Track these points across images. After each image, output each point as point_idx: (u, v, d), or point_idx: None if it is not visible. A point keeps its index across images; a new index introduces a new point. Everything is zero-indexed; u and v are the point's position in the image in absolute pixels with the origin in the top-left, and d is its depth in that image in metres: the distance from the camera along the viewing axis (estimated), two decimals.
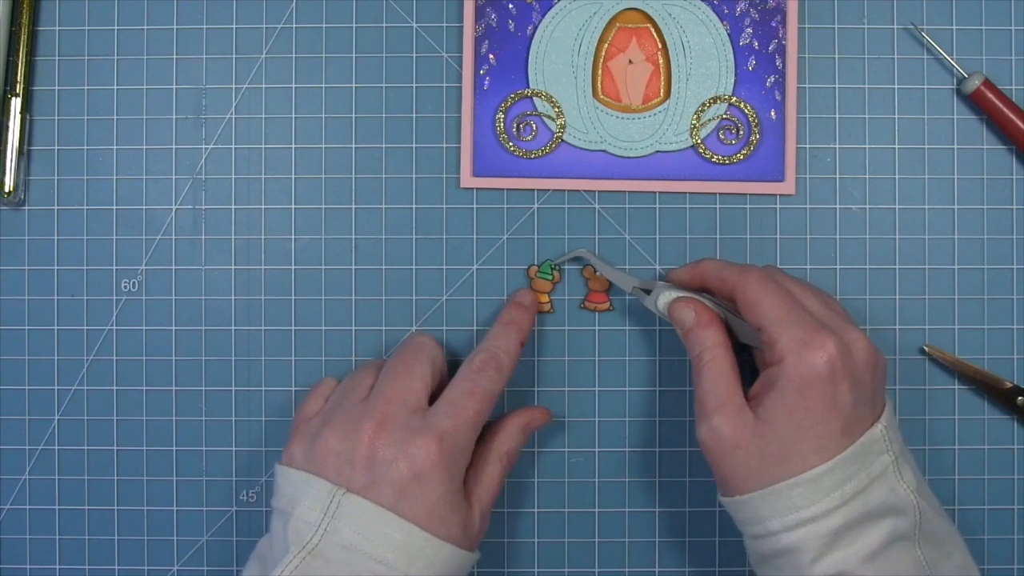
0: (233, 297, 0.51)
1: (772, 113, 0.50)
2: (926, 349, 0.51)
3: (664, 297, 0.46)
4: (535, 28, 0.51)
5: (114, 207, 0.52)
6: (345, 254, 0.51)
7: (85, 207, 0.52)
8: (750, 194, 0.51)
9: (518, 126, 0.51)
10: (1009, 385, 0.50)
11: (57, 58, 0.52)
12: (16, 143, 0.51)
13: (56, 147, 0.52)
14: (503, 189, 0.51)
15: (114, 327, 0.51)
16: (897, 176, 0.51)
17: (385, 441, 0.42)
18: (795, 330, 0.41)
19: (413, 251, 0.51)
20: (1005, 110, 0.49)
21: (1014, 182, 0.51)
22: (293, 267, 0.51)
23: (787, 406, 0.41)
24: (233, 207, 0.51)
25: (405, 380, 0.44)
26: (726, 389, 0.42)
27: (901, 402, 0.51)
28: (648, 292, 0.48)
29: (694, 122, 0.50)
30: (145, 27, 0.52)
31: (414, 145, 0.51)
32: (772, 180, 0.51)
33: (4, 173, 0.50)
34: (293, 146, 0.51)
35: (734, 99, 0.50)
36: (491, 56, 0.51)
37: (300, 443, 0.44)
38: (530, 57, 0.51)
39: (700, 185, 0.51)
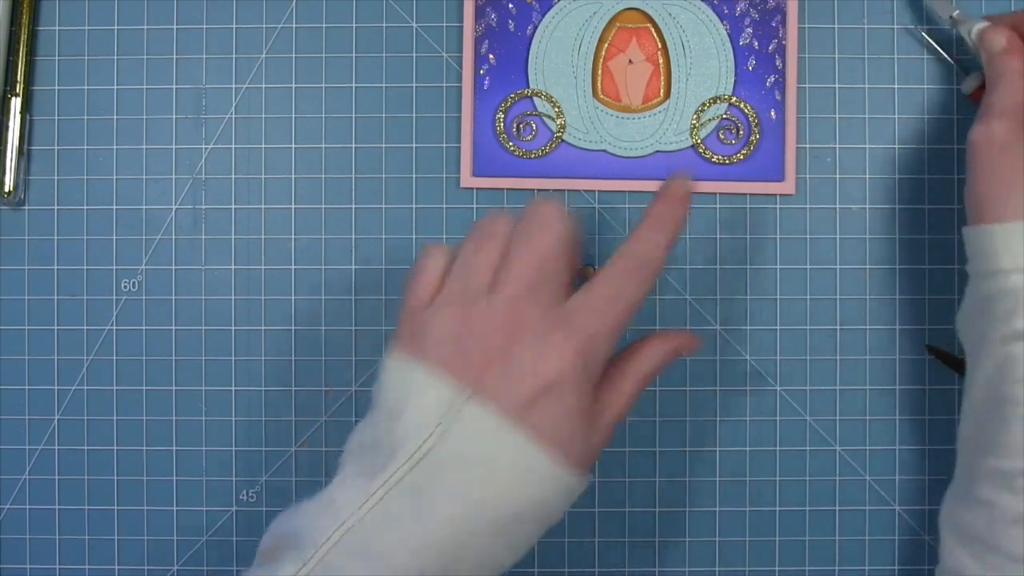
0: (233, 297, 0.51)
1: (772, 113, 0.50)
2: (926, 349, 0.51)
3: (980, 25, 0.47)
4: (535, 28, 0.51)
5: (114, 207, 0.52)
6: (345, 254, 0.51)
7: (85, 207, 0.52)
8: (750, 194, 0.51)
9: (518, 126, 0.51)
10: None
11: (57, 58, 0.52)
12: (16, 143, 0.51)
13: (56, 147, 0.52)
14: (503, 189, 0.51)
15: (114, 327, 0.51)
16: (897, 176, 0.51)
17: (517, 343, 0.37)
18: None
19: (413, 251, 0.51)
20: None
21: None
22: (293, 267, 0.51)
23: None
24: (233, 207, 0.51)
25: (538, 268, 0.38)
26: (1013, 104, 0.43)
27: (901, 402, 0.51)
28: (962, 22, 0.48)
29: (694, 122, 0.50)
30: (145, 27, 0.52)
31: (414, 145, 0.51)
32: (772, 180, 0.51)
33: (4, 173, 0.50)
34: (293, 146, 0.51)
35: (734, 99, 0.50)
36: (491, 56, 0.51)
37: (414, 334, 0.38)
38: (530, 57, 0.51)
39: (700, 185, 0.51)
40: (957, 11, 0.48)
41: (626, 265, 0.39)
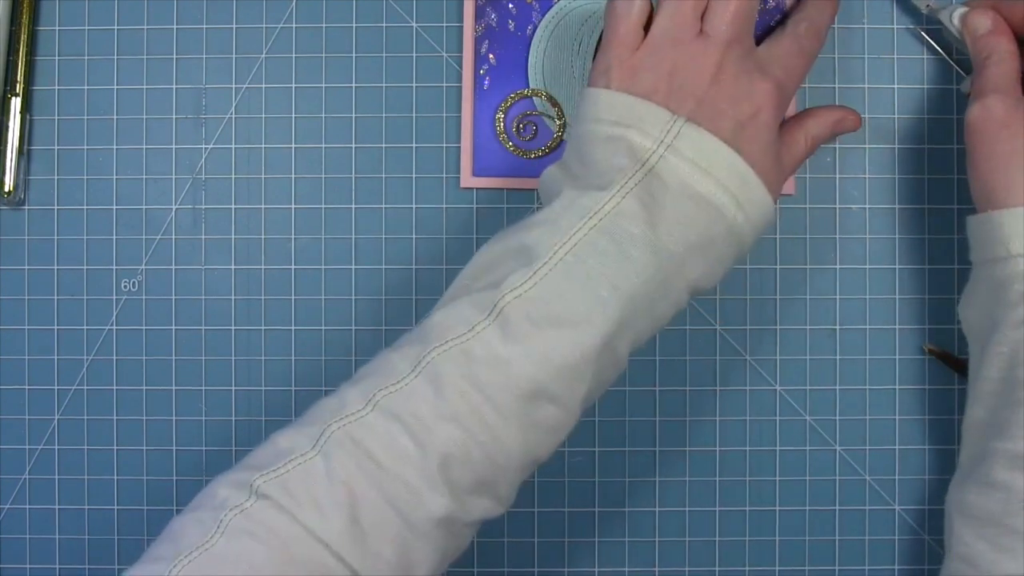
0: (233, 297, 0.51)
1: None
2: (926, 349, 0.51)
3: (960, 10, 0.47)
4: (535, 28, 0.51)
5: (114, 207, 0.52)
6: (345, 254, 0.51)
7: (85, 207, 0.52)
8: None
9: (518, 126, 0.51)
10: None
11: (57, 58, 0.52)
12: (16, 143, 0.51)
13: (56, 147, 0.52)
14: (503, 189, 0.51)
15: (114, 327, 0.51)
16: (897, 176, 0.51)
17: (725, 82, 0.39)
18: None
19: (413, 251, 0.51)
20: None
21: None
22: (293, 267, 0.51)
23: None
24: (233, 207, 0.51)
25: (742, 18, 0.41)
26: (1006, 80, 0.43)
27: (901, 402, 0.51)
28: (941, 9, 0.48)
29: None
30: (145, 27, 0.52)
31: (414, 145, 0.51)
32: None
33: (4, 173, 0.50)
34: (293, 146, 0.51)
35: None
36: (491, 56, 0.51)
37: (629, 75, 0.40)
38: (530, 57, 0.51)
39: None
40: (930, 0, 0.49)
41: (807, 31, 0.42)
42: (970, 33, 0.46)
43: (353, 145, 0.51)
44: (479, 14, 0.51)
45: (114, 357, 0.51)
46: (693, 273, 0.39)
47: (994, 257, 0.41)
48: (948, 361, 0.50)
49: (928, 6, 0.49)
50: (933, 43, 0.50)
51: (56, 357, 0.52)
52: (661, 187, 0.38)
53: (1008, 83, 0.43)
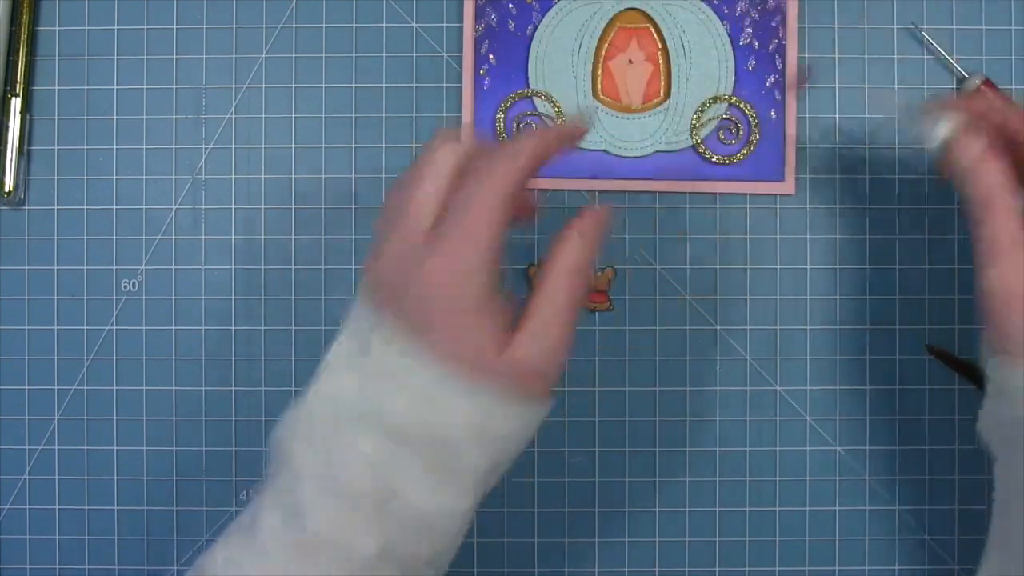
0: (233, 297, 0.51)
1: (772, 113, 0.50)
2: (927, 349, 0.51)
3: (946, 124, 0.40)
4: (535, 28, 0.51)
5: (114, 207, 0.52)
6: (345, 254, 0.51)
7: (85, 207, 0.52)
8: (750, 194, 0.51)
9: (518, 126, 0.51)
10: None
11: (57, 58, 0.52)
12: (16, 143, 0.51)
13: (56, 147, 0.52)
14: None
15: (114, 327, 0.51)
16: (897, 176, 0.51)
17: (433, 291, 0.36)
18: None
19: None
20: None
21: None
22: (293, 267, 0.51)
23: None
24: (233, 207, 0.51)
25: (410, 204, 0.37)
26: (1018, 234, 0.38)
27: (901, 402, 0.51)
28: (917, 116, 0.42)
29: (694, 122, 0.50)
30: (145, 27, 0.52)
31: (414, 145, 0.51)
32: (772, 180, 0.51)
33: (4, 173, 0.50)
34: (293, 146, 0.51)
35: (734, 99, 0.50)
36: (491, 56, 0.51)
37: (370, 265, 0.39)
38: (530, 57, 0.51)
39: (700, 185, 0.51)
40: (905, 102, 0.44)
41: (487, 161, 0.37)
42: (960, 159, 0.40)
43: (353, 145, 0.51)
44: (479, 14, 0.51)
45: (114, 357, 0.51)
46: (420, 486, 0.36)
47: (1014, 400, 0.38)
48: (948, 361, 0.50)
49: (901, 105, 0.44)
50: (933, 43, 0.50)
51: (56, 357, 0.52)
52: (367, 382, 0.37)
53: (1018, 235, 0.38)
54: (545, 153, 0.38)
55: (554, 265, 0.38)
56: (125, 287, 0.52)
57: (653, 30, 0.51)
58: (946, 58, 0.50)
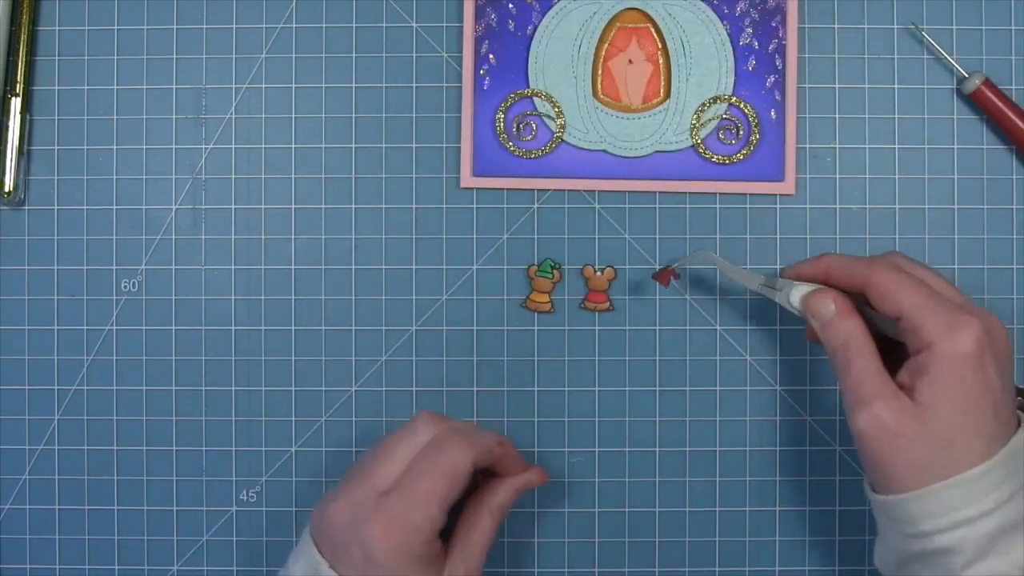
0: (233, 297, 0.51)
1: (772, 113, 0.50)
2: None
3: (798, 291, 0.45)
4: (535, 28, 0.51)
5: (114, 207, 0.52)
6: (345, 254, 0.51)
7: (85, 207, 0.52)
8: (750, 194, 0.51)
9: (518, 126, 0.51)
10: None
11: (57, 58, 0.52)
12: (16, 143, 0.51)
13: (56, 147, 0.52)
14: (503, 189, 0.51)
15: (114, 327, 0.51)
16: (897, 176, 0.51)
17: (343, 527, 0.43)
18: (938, 314, 0.40)
19: (413, 251, 0.51)
20: (1005, 110, 0.49)
21: (1014, 182, 0.51)
22: (293, 267, 0.51)
23: (946, 389, 0.40)
24: (233, 207, 0.51)
25: (376, 467, 0.44)
26: (880, 376, 0.41)
27: None
28: (773, 288, 0.46)
29: (694, 122, 0.50)
30: (145, 27, 0.52)
31: (414, 145, 0.51)
32: (772, 180, 0.51)
33: (4, 173, 0.50)
34: (293, 146, 0.51)
35: (734, 99, 0.50)
36: (491, 56, 0.51)
37: (325, 500, 0.45)
38: (530, 57, 0.51)
39: (700, 185, 0.51)
40: (763, 278, 0.46)
41: (436, 440, 0.44)
42: (815, 319, 0.44)
43: (353, 145, 0.51)
44: (479, 14, 0.51)
45: (114, 357, 0.51)
46: None
47: (906, 533, 0.41)
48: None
49: (761, 285, 0.46)
50: (933, 43, 0.50)
51: (56, 357, 0.52)
52: None
53: (881, 380, 0.41)
54: (497, 465, 0.46)
55: (488, 501, 0.46)
56: (125, 287, 0.52)
57: (653, 30, 0.51)
58: (946, 58, 0.50)
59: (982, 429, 0.40)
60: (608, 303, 0.51)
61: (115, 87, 0.52)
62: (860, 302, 0.43)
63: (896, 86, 0.51)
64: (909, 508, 0.40)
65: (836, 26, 0.51)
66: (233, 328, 0.51)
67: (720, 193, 0.51)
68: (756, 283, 0.47)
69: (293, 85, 0.51)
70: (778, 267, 0.51)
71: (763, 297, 0.46)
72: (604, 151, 0.51)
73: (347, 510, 0.43)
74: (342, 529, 0.42)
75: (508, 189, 0.51)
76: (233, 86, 0.51)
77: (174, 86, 0.52)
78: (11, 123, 0.51)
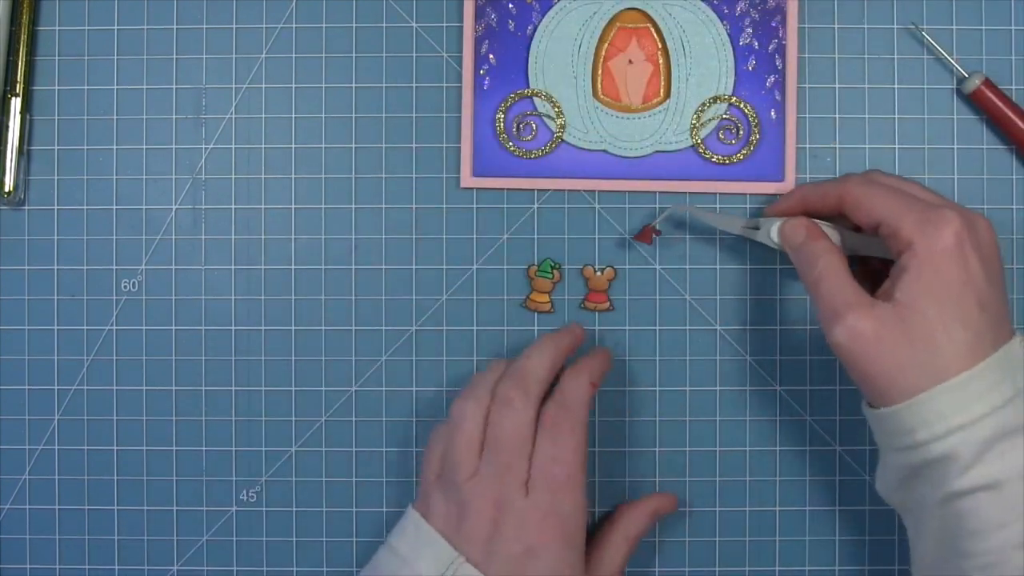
0: (233, 297, 0.51)
1: (772, 113, 0.50)
2: None
3: (776, 225, 0.46)
4: (535, 28, 0.51)
5: (114, 207, 0.52)
6: (345, 254, 0.51)
7: (85, 207, 0.52)
8: (750, 194, 0.51)
9: (518, 126, 0.51)
10: None
11: (57, 58, 0.52)
12: (16, 143, 0.51)
13: (56, 147, 0.52)
14: (503, 189, 0.51)
15: (114, 327, 0.51)
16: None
17: (501, 518, 0.43)
18: (914, 213, 0.41)
19: (413, 251, 0.51)
20: (1005, 110, 0.49)
21: (1014, 182, 0.51)
22: (293, 267, 0.51)
23: (925, 283, 0.40)
24: (233, 207, 0.51)
25: (508, 457, 0.44)
26: (851, 287, 0.42)
27: None
28: (756, 229, 0.47)
29: (694, 122, 0.50)
30: (145, 27, 0.52)
31: (414, 145, 0.51)
32: (772, 180, 0.51)
33: (4, 173, 0.50)
34: (293, 146, 0.51)
35: (734, 99, 0.50)
36: (491, 56, 0.51)
37: (427, 502, 0.45)
38: (530, 57, 0.51)
39: (700, 185, 0.51)
40: (744, 220, 0.48)
41: (550, 423, 0.45)
42: (789, 247, 0.45)
43: (353, 145, 0.51)
44: (479, 14, 0.51)
45: (114, 357, 0.51)
46: None
47: (903, 446, 0.41)
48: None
49: (743, 227, 0.48)
50: (933, 43, 0.50)
51: (56, 357, 0.52)
52: None
53: (853, 291, 0.42)
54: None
55: (623, 529, 0.48)
56: (125, 287, 0.52)
57: (653, 30, 0.51)
58: (946, 58, 0.50)
59: (968, 323, 0.40)
60: (608, 303, 0.51)
61: (115, 87, 0.52)
62: (846, 230, 0.45)
63: (896, 86, 0.51)
64: (903, 418, 0.40)
65: (836, 26, 0.51)
66: (233, 328, 0.51)
67: (720, 193, 0.51)
68: (738, 226, 0.48)
69: (293, 85, 0.51)
70: (778, 267, 0.51)
71: (748, 240, 0.48)
72: (604, 151, 0.51)
73: (500, 511, 0.43)
74: (497, 528, 0.43)
75: (508, 189, 0.51)
76: (233, 86, 0.51)
77: (174, 86, 0.52)
78: (11, 123, 0.51)
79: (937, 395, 0.39)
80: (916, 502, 0.41)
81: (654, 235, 0.50)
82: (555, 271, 0.51)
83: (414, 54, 0.51)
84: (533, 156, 0.51)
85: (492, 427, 0.44)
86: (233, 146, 0.52)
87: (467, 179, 0.51)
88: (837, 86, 0.51)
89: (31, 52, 0.51)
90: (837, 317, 0.41)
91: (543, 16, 0.51)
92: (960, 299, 0.40)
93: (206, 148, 0.52)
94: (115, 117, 0.52)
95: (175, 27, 0.52)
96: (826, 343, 0.42)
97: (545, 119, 0.51)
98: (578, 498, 0.44)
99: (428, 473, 0.46)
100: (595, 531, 0.49)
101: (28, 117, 0.51)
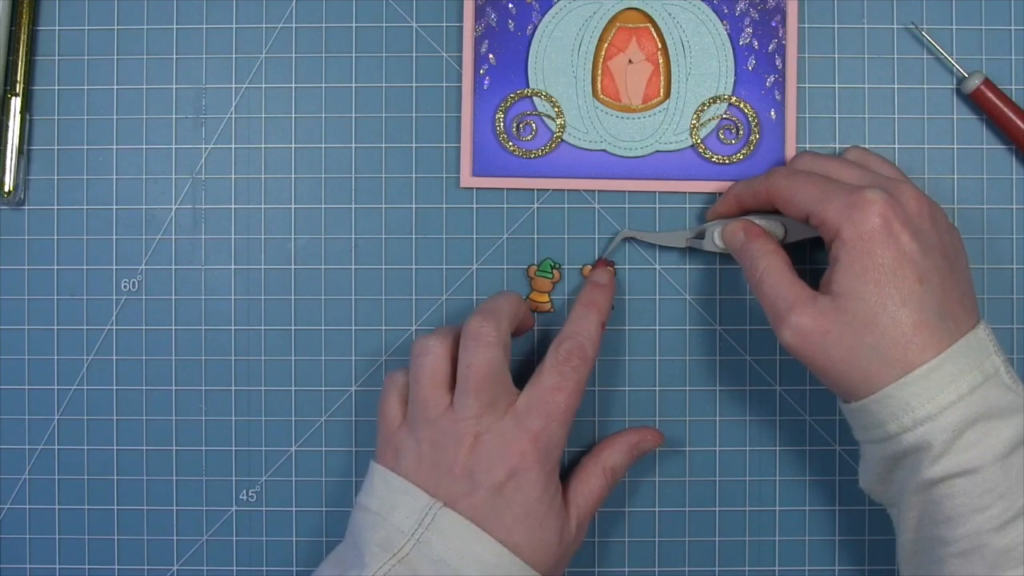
0: (233, 297, 0.51)
1: (772, 113, 0.50)
2: None
3: (717, 230, 0.47)
4: (535, 28, 0.51)
5: (114, 207, 0.52)
6: (345, 254, 0.51)
7: (85, 207, 0.52)
8: None
9: (518, 126, 0.51)
10: None
11: (57, 58, 0.52)
12: (16, 143, 0.51)
13: (56, 147, 0.52)
14: (503, 189, 0.51)
15: (114, 327, 0.51)
16: None
17: (479, 452, 0.42)
18: (837, 200, 0.41)
19: (413, 251, 0.51)
20: (1005, 110, 0.49)
21: (1014, 182, 0.51)
22: (293, 267, 0.51)
23: (859, 269, 0.40)
24: (233, 207, 0.51)
25: (485, 388, 0.43)
26: (792, 286, 0.42)
27: None
28: (701, 238, 0.48)
29: (694, 122, 0.50)
30: (145, 27, 0.52)
31: (414, 145, 0.51)
32: None
33: (4, 173, 0.50)
34: (293, 146, 0.51)
35: (734, 99, 0.50)
36: (491, 56, 0.51)
37: (394, 452, 0.44)
38: (530, 57, 0.51)
39: (700, 185, 0.51)
40: (689, 232, 0.49)
41: (567, 352, 0.44)
42: (732, 249, 0.46)
43: (353, 145, 0.51)
44: (479, 14, 0.51)
45: (114, 357, 0.51)
46: None
47: (877, 438, 0.41)
48: None
49: (688, 240, 0.49)
50: (933, 43, 0.50)
51: (56, 357, 0.52)
52: (417, 571, 0.41)
53: (793, 289, 0.42)
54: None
55: (603, 459, 0.47)
56: (125, 287, 0.52)
57: (653, 30, 0.51)
58: (946, 58, 0.50)
59: (908, 299, 0.39)
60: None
61: (115, 87, 0.52)
62: (791, 220, 0.45)
63: (896, 86, 0.51)
64: (872, 411, 0.40)
65: (836, 26, 0.51)
66: (233, 328, 0.51)
67: (720, 193, 0.51)
68: (683, 240, 0.49)
69: (293, 85, 0.51)
70: None
71: (696, 250, 0.49)
72: (604, 151, 0.51)
73: (481, 442, 0.42)
74: (478, 458, 0.42)
75: (508, 189, 0.51)
76: (233, 86, 0.51)
77: (174, 86, 0.52)
78: (11, 123, 0.51)
79: (902, 387, 0.39)
80: (896, 493, 0.42)
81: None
82: (555, 271, 0.51)
83: (414, 54, 0.51)
84: (533, 156, 0.51)
85: (465, 361, 0.43)
86: (233, 146, 0.52)
87: (467, 179, 0.51)
88: (837, 86, 0.51)
89: (31, 52, 0.51)
90: (781, 318, 0.42)
91: (543, 16, 0.51)
92: (896, 278, 0.40)
93: (206, 148, 0.52)
94: (115, 117, 0.52)
95: (175, 27, 0.52)
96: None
97: (545, 119, 0.51)
98: (565, 432, 0.43)
99: (388, 422, 0.45)
100: (571, 465, 0.48)
101: (28, 117, 0.51)
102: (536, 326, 0.51)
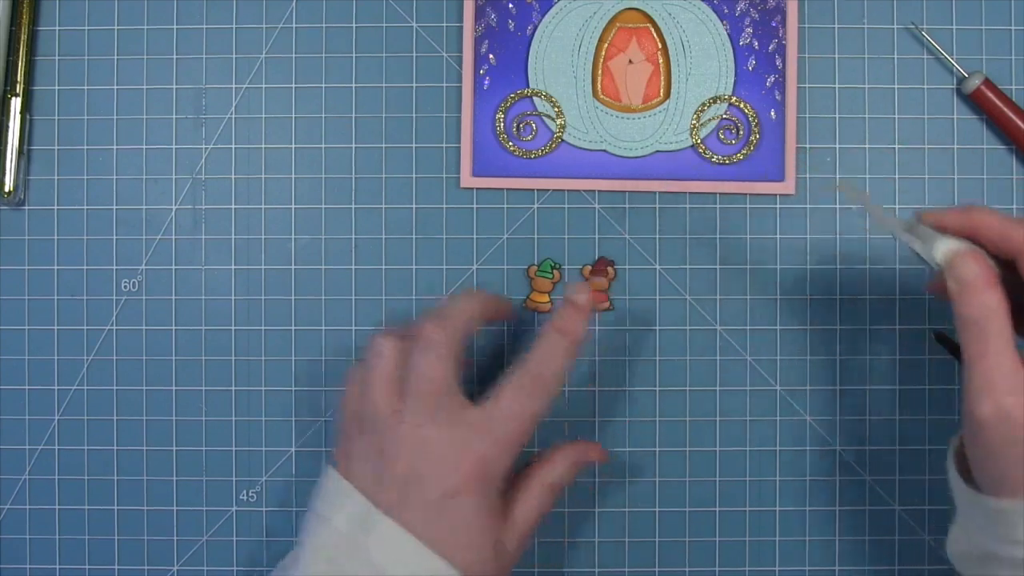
0: (233, 297, 0.51)
1: (772, 113, 0.51)
2: (933, 336, 0.50)
3: (943, 245, 0.39)
4: (535, 28, 0.51)
5: (114, 207, 0.52)
6: (345, 254, 0.51)
7: (85, 207, 0.52)
8: (750, 194, 0.51)
9: (518, 126, 0.51)
10: None
11: (57, 58, 0.52)
12: (16, 143, 0.51)
13: (56, 147, 0.52)
14: (503, 189, 0.51)
15: (114, 327, 0.51)
16: (897, 176, 0.51)
17: (424, 462, 0.41)
18: None
19: (413, 251, 0.51)
20: (1005, 110, 0.49)
21: (1014, 182, 0.51)
22: (293, 267, 0.51)
23: None
24: (233, 207, 0.51)
25: (433, 394, 0.42)
26: (1015, 368, 0.37)
27: (901, 402, 0.51)
28: (914, 234, 0.41)
29: (694, 122, 0.50)
30: (145, 27, 0.52)
31: (414, 145, 0.51)
32: (772, 180, 0.51)
33: (4, 173, 0.50)
34: (293, 146, 0.51)
35: (734, 99, 0.50)
36: (491, 56, 0.51)
37: (344, 452, 0.43)
38: (530, 57, 0.51)
39: (700, 185, 0.51)
40: (903, 223, 0.41)
41: (525, 381, 0.42)
42: (955, 281, 0.39)
43: (353, 145, 0.51)
44: (479, 14, 0.51)
45: (114, 357, 0.51)
46: None
47: (1000, 537, 0.38)
48: (954, 350, 0.50)
49: (903, 228, 0.41)
50: (933, 43, 0.50)
51: (56, 357, 0.52)
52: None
53: (1016, 369, 0.37)
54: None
55: (543, 475, 0.45)
56: (125, 287, 0.52)
57: (653, 30, 0.51)
58: (946, 58, 0.50)
59: None
60: (608, 303, 0.51)
61: (115, 87, 0.52)
62: (1005, 269, 0.39)
63: (896, 86, 0.51)
64: (1015, 516, 0.37)
65: (836, 26, 0.51)
66: (233, 328, 0.51)
67: (720, 193, 0.51)
68: (899, 227, 0.41)
69: (293, 85, 0.51)
70: (778, 267, 0.51)
71: (902, 241, 0.42)
72: (604, 151, 0.51)
73: (421, 451, 0.41)
74: (415, 470, 0.41)
75: (508, 189, 0.51)
76: (233, 86, 0.51)
77: (174, 86, 0.52)
78: (11, 123, 0.51)
79: None
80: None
81: (600, 279, 0.49)
82: (555, 271, 0.51)
83: (414, 54, 0.51)
84: (533, 156, 0.51)
85: (412, 366, 0.42)
86: (233, 146, 0.52)
87: (467, 179, 0.51)
88: (837, 86, 0.51)
89: (31, 52, 0.51)
90: (991, 393, 0.37)
91: (543, 16, 0.51)
92: None
93: (206, 148, 0.52)
94: (115, 117, 0.52)
95: (175, 27, 0.52)
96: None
97: (545, 119, 0.51)
98: (512, 458, 0.42)
99: (346, 418, 0.44)
100: (513, 478, 0.46)
101: (28, 117, 0.51)
102: (536, 327, 0.51)
